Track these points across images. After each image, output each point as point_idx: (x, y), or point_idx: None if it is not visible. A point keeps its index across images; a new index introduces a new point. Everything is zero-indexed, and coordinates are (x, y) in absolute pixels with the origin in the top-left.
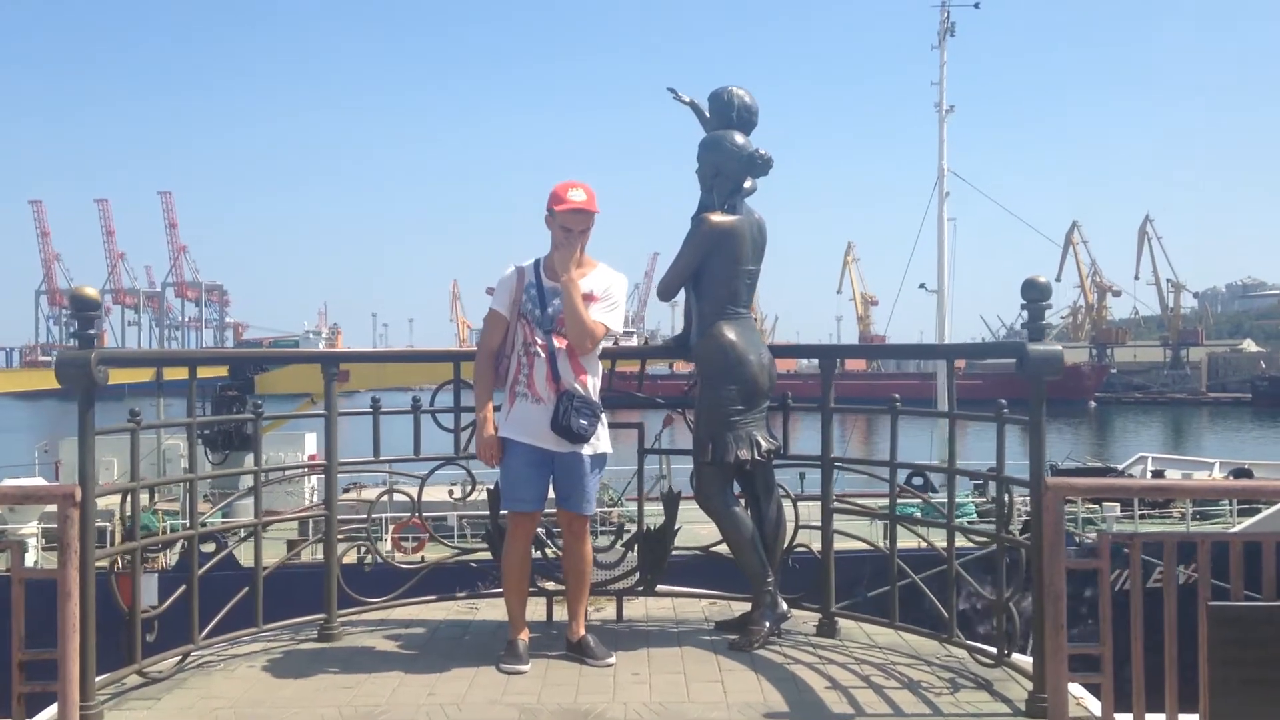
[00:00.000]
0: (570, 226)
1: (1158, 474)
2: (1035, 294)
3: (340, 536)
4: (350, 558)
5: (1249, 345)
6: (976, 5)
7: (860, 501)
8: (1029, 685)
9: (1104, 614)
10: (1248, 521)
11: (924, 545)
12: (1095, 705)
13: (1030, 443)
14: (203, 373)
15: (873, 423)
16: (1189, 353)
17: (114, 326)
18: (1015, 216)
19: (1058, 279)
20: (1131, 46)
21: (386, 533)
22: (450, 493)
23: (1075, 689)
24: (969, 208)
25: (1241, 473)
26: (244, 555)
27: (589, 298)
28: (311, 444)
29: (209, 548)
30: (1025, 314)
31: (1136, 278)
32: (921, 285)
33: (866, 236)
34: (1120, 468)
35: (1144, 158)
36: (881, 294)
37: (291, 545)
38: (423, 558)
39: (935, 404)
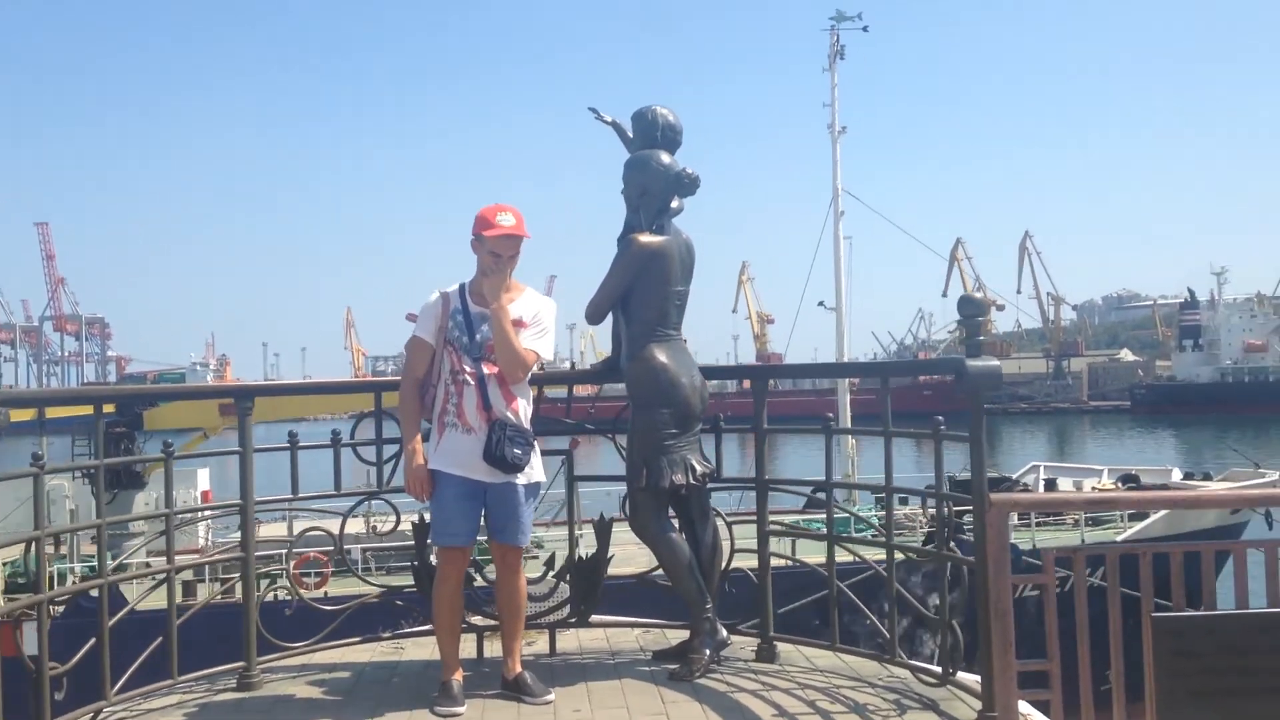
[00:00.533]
0: (500, 252)
1: (1050, 482)
2: (971, 309)
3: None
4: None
5: (1126, 355)
6: (865, 29)
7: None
8: (975, 704)
9: (1050, 630)
10: (1137, 526)
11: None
12: None
13: (971, 458)
14: (88, 410)
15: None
16: (1070, 363)
17: None
18: (909, 235)
19: (944, 294)
20: (1006, 69)
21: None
22: (374, 527)
23: (1023, 706)
24: (858, 225)
25: (1129, 478)
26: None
27: (518, 324)
28: (204, 480)
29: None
30: (962, 329)
31: (1019, 292)
32: (820, 303)
33: (760, 256)
34: (1015, 476)
35: (1023, 175)
36: (777, 312)
37: (187, 587)
38: (325, 592)
39: (837, 421)
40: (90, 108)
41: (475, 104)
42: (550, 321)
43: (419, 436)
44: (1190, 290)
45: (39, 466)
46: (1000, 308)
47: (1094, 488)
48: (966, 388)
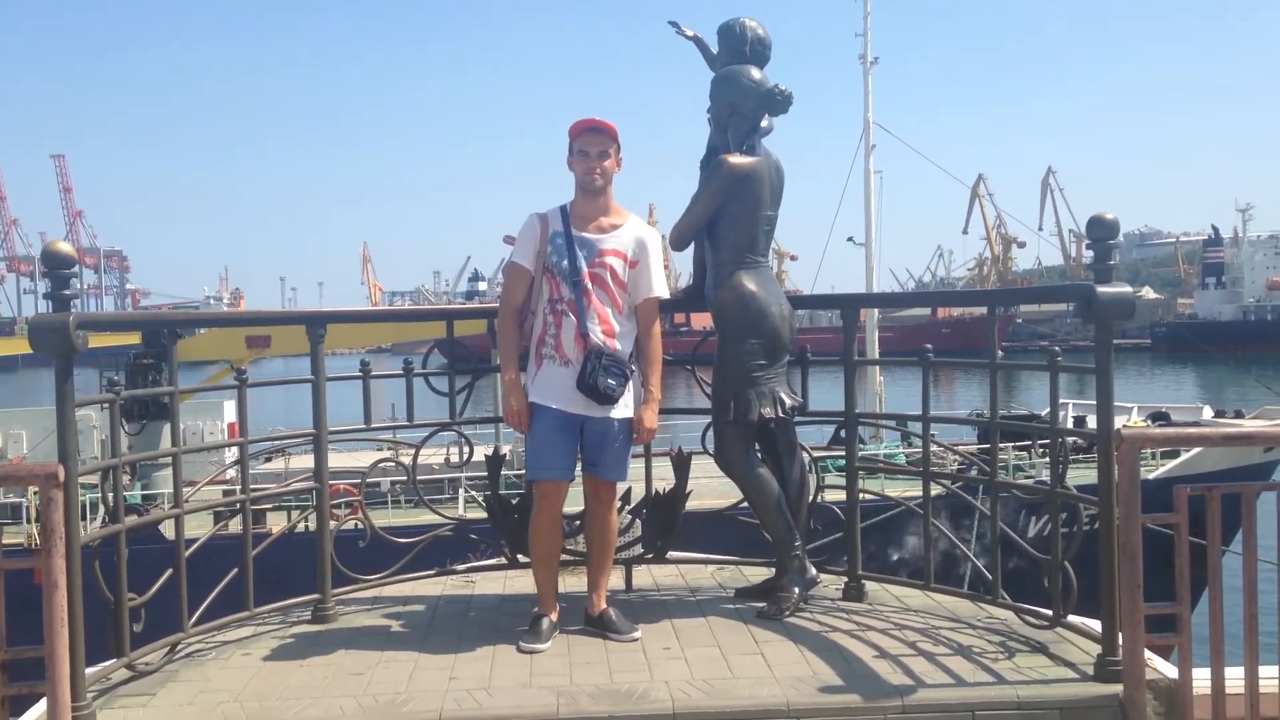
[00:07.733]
0: (588, 149)
1: (1079, 420)
2: (1103, 231)
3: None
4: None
5: (1147, 292)
6: None
7: None
8: (1090, 647)
9: (1180, 571)
10: (1171, 464)
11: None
12: (1163, 665)
13: (1097, 391)
14: (116, 340)
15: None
16: None
17: (8, 295)
18: (940, 169)
19: (964, 231)
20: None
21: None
22: (446, 459)
23: None
24: (880, 160)
25: (1160, 415)
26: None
27: (622, 257)
28: (230, 412)
29: (132, 519)
30: (1091, 253)
31: (1040, 229)
32: (849, 238)
33: None
34: (1043, 414)
35: (1046, 111)
36: (797, 249)
37: (219, 517)
38: (356, 525)
39: (866, 354)
40: (107, 39)
41: (491, 42)
42: (658, 255)
43: (516, 369)
44: (1214, 227)
45: (115, 393)
46: (1021, 245)
47: (1125, 425)
48: (1096, 315)
